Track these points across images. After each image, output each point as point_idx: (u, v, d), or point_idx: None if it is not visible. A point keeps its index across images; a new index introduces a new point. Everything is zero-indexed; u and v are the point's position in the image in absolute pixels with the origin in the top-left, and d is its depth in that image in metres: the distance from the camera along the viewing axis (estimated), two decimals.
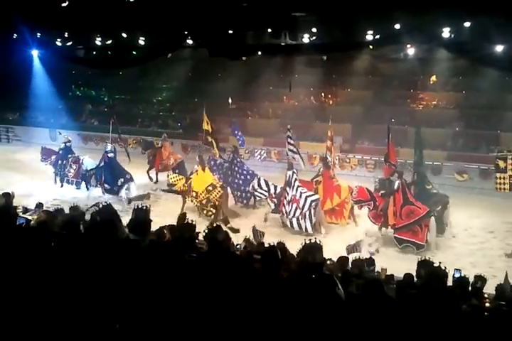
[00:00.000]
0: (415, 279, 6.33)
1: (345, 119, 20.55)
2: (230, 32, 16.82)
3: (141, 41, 19.12)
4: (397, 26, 14.62)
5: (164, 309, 3.18)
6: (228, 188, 14.66)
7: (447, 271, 6.18)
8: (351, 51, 18.21)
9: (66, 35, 20.64)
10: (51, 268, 3.40)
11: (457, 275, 6.96)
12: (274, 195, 13.69)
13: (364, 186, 12.89)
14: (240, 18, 15.76)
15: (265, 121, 22.38)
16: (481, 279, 6.86)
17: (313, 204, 12.68)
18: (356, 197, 12.70)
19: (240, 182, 14.91)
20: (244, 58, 18.93)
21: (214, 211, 13.58)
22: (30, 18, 18.13)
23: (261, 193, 14.06)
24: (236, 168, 15.16)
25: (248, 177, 14.84)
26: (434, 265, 5.96)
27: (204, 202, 13.76)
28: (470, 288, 6.48)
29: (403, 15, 14.09)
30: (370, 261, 7.62)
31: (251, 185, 14.31)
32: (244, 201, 14.87)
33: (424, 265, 6.51)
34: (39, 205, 9.67)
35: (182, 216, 7.16)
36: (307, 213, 12.63)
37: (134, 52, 21.54)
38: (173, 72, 23.38)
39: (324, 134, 16.75)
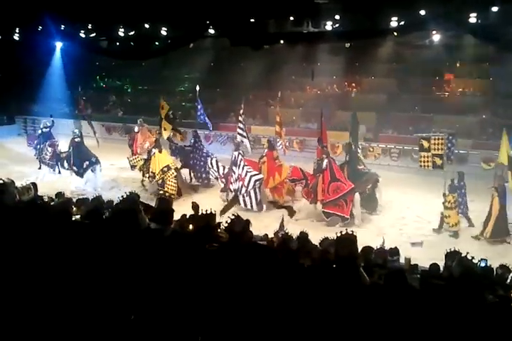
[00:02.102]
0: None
1: (369, 108, 20.31)
2: (252, 21, 16.70)
3: (163, 32, 19.19)
4: (422, 12, 14.35)
5: (184, 298, 3.19)
6: (189, 169, 16.21)
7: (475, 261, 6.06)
8: (375, 38, 17.91)
9: (89, 26, 20.82)
10: (71, 258, 3.43)
11: (483, 264, 6.84)
12: (222, 175, 14.65)
13: (298, 166, 14.06)
14: (261, 7, 15.63)
15: (287, 111, 22.26)
16: (504, 269, 6.72)
17: (257, 183, 13.57)
18: (291, 176, 13.91)
19: (202, 163, 15.91)
20: (266, 47, 18.80)
21: (172, 192, 14.64)
22: (55, 11, 18.29)
23: (213, 173, 15.12)
24: (198, 151, 16.16)
25: (208, 159, 15.67)
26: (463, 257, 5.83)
27: (160, 182, 14.89)
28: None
29: (428, 0, 13.80)
30: (394, 251, 7.53)
31: (207, 164, 15.44)
32: (205, 181, 15.95)
33: (452, 256, 6.37)
34: (60, 195, 9.77)
35: (195, 205, 7.16)
36: (252, 191, 13.55)
37: (157, 43, 21.61)
38: (196, 62, 23.37)
39: (348, 123, 16.63)
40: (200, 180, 15.92)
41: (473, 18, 14.01)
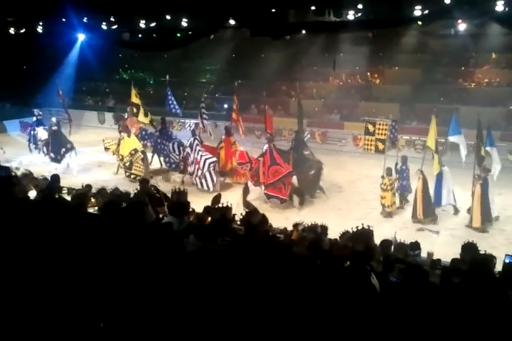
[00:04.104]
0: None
1: (393, 99, 19.99)
2: (272, 11, 16.48)
3: (184, 23, 19.11)
4: (447, 0, 13.94)
5: (192, 292, 3.14)
6: (157, 155, 16.93)
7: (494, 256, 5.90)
8: (398, 27, 17.55)
9: (111, 19, 20.87)
10: (74, 250, 3.40)
11: (507, 260, 6.64)
12: (181, 158, 15.68)
13: (245, 150, 15.10)
14: None
15: (309, 102, 22.01)
16: None
17: (211, 165, 14.52)
18: (238, 160, 14.90)
19: (170, 149, 16.30)
20: (287, 37, 18.56)
21: (138, 173, 15.52)
22: (77, 3, 18.37)
23: (174, 156, 15.93)
24: (165, 137, 16.70)
25: (170, 144, 16.31)
26: (481, 251, 5.67)
27: (127, 164, 15.92)
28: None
29: None
30: (415, 245, 7.38)
31: (167, 149, 16.14)
32: (173, 166, 16.32)
33: (468, 249, 6.20)
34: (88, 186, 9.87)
35: (217, 197, 7.11)
36: (207, 173, 14.50)
37: (178, 35, 21.58)
38: (217, 53, 23.32)
39: (371, 114, 16.42)
40: (168, 164, 16.47)
41: (500, 6, 13.58)
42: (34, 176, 9.04)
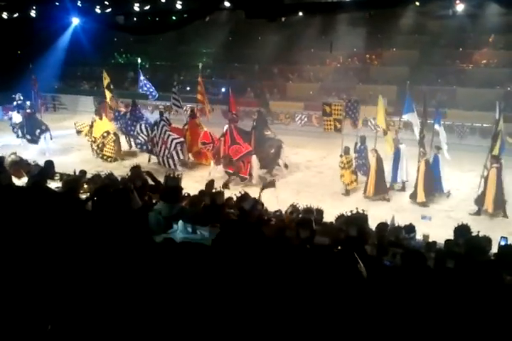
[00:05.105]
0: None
1: (390, 80, 19.80)
2: None
3: (179, 5, 18.85)
4: None
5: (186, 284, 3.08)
6: (128, 136, 17.49)
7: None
8: (396, 8, 17.30)
9: (106, 2, 20.58)
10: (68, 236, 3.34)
11: (503, 243, 6.60)
12: (149, 139, 15.95)
13: (208, 131, 15.41)
14: None
15: (306, 85, 21.85)
16: None
17: (178, 145, 15.00)
18: (201, 139, 15.18)
19: (138, 130, 16.47)
20: (283, 19, 18.31)
21: (110, 155, 16.39)
22: None
23: (142, 137, 16.18)
24: (135, 119, 17.19)
25: (138, 125, 16.67)
26: (473, 234, 5.61)
27: (100, 145, 16.56)
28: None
29: None
30: (410, 228, 7.34)
31: (135, 130, 16.52)
32: (143, 147, 16.64)
33: (461, 232, 6.14)
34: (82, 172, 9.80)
35: (210, 182, 7.05)
36: (174, 152, 15.00)
37: (173, 17, 21.31)
38: (213, 37, 23.01)
39: (368, 96, 16.27)
40: (139, 146, 16.83)
41: None
42: (27, 162, 8.97)
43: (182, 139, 15.31)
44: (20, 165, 7.67)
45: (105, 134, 16.49)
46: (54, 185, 7.43)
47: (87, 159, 16.51)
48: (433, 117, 13.28)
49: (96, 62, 27.67)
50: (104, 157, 16.49)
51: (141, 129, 16.18)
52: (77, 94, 26.13)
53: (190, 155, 15.96)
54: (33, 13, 22.31)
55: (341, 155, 13.37)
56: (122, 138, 17.37)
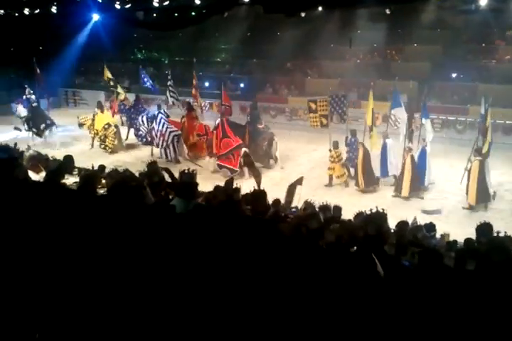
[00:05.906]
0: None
1: (411, 76, 19.49)
2: None
3: (198, 1, 18.84)
4: None
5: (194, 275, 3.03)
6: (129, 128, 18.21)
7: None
8: (417, 3, 17.03)
9: None
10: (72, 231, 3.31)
11: None
12: (148, 130, 16.51)
13: (204, 123, 16.16)
14: None
15: (325, 81, 21.60)
16: None
17: (175, 138, 15.71)
18: (196, 131, 15.83)
19: (139, 121, 17.11)
20: (302, 14, 18.15)
21: (110, 146, 17.01)
22: None
23: (143, 129, 16.82)
24: (137, 112, 17.75)
25: (139, 117, 17.30)
26: (495, 234, 5.45)
27: (102, 138, 17.15)
28: None
29: None
30: (431, 227, 7.21)
31: (137, 122, 17.13)
32: (144, 140, 17.17)
33: (483, 230, 5.98)
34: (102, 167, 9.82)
35: (230, 180, 6.99)
36: (171, 145, 15.72)
37: (193, 13, 21.30)
38: (231, 32, 22.92)
39: (388, 92, 16.08)
40: (140, 138, 17.33)
41: None
42: (46, 157, 9.00)
43: (179, 132, 15.84)
44: (39, 160, 7.69)
45: (106, 126, 17.08)
46: (73, 180, 7.47)
47: (102, 154, 16.92)
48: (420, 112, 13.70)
49: (115, 58, 27.83)
50: (106, 148, 17.13)
51: (142, 121, 16.81)
52: (97, 89, 26.27)
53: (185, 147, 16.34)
54: (53, 9, 22.53)
55: (330, 150, 13.64)
56: (123, 131, 18.01)
